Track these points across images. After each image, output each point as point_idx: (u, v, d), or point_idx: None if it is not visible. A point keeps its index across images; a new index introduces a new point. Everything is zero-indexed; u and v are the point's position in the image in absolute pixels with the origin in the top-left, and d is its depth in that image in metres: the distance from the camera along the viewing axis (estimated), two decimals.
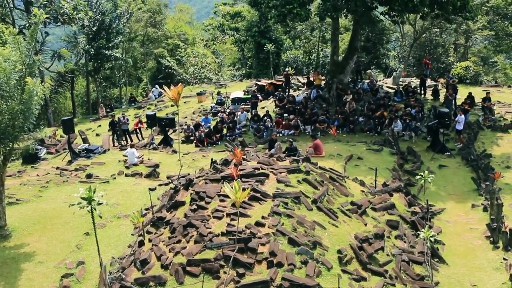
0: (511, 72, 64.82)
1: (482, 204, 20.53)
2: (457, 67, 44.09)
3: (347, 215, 17.02)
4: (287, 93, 39.11)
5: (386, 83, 42.54)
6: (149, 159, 26.41)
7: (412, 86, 38.02)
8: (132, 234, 17.20)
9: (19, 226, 17.72)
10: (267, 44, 50.08)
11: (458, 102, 33.29)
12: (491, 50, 57.38)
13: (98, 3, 48.54)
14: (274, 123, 32.35)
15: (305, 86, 41.03)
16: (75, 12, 45.49)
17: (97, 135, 36.22)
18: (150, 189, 19.81)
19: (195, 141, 31.36)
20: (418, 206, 20.21)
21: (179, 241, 14.58)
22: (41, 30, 43.60)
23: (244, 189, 14.39)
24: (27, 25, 40.50)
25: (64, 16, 45.44)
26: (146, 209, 18.82)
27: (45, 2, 43.55)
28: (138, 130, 34.44)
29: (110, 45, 48.38)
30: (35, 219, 18.32)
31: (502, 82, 48.95)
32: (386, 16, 35.05)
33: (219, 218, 15.03)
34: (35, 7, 38.32)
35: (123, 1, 56.45)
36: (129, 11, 53.86)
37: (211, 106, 40.10)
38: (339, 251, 14.13)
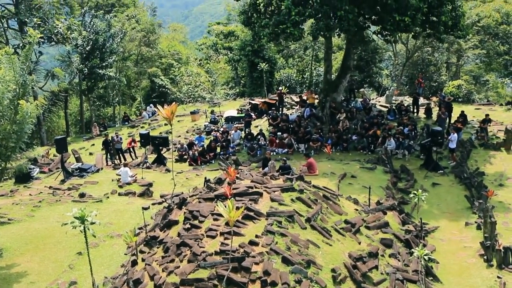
0: (503, 90, 65.39)
1: (475, 222, 20.55)
2: (449, 86, 44.39)
3: (341, 233, 16.98)
4: (280, 112, 39.25)
5: (379, 101, 42.75)
6: (142, 178, 26.36)
7: (405, 105, 38.23)
8: (125, 254, 17.09)
9: (11, 246, 17.58)
10: (260, 63, 50.37)
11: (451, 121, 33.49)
12: (483, 69, 57.94)
13: (92, 23, 48.76)
14: (267, 142, 32.39)
15: (298, 105, 41.19)
16: (69, 32, 45.76)
17: (91, 154, 36.13)
18: (144, 208, 19.73)
19: (188, 160, 31.33)
20: (412, 224, 20.20)
21: (172, 261, 14.48)
22: (35, 50, 43.70)
23: (237, 208, 14.36)
24: (21, 44, 40.63)
25: (58, 36, 45.69)
26: (139, 228, 18.73)
27: (39, 22, 43.79)
28: (131, 149, 34.41)
29: (104, 64, 48.50)
30: (27, 239, 18.20)
31: (494, 101, 49.26)
32: (379, 36, 35.36)
33: (213, 237, 14.95)
34: (29, 27, 38.55)
35: (117, 21, 56.72)
36: (123, 30, 54.08)
37: (204, 125, 40.15)
38: (333, 270, 14.06)
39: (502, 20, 52.06)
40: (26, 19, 44.89)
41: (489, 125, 32.33)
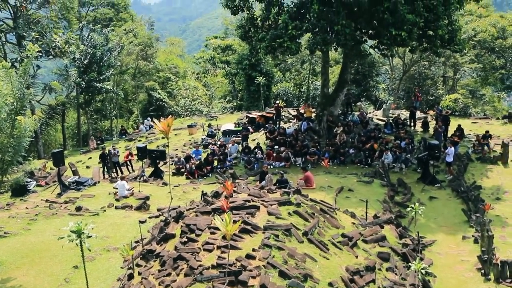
0: (499, 104, 65.63)
1: (473, 236, 20.54)
2: (446, 100, 44.57)
3: (338, 247, 16.95)
4: (277, 125, 39.32)
5: (376, 115, 42.87)
6: (139, 191, 26.32)
7: (402, 118, 38.36)
8: (121, 267, 17.02)
9: (7, 260, 17.49)
10: (257, 77, 50.56)
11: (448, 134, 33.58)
12: (479, 83, 58.21)
13: (89, 37, 48.95)
14: (265, 155, 32.40)
15: (295, 119, 41.26)
16: (66, 46, 45.90)
17: (88, 167, 36.10)
18: (140, 222, 19.69)
19: (185, 174, 31.31)
20: (409, 238, 20.18)
21: (169, 274, 14.43)
22: (32, 63, 43.84)
23: (234, 222, 14.33)
24: (18, 58, 40.71)
25: (55, 50, 45.83)
26: (136, 242, 18.67)
27: (37, 36, 43.94)
28: (128, 162, 34.38)
29: (101, 78, 48.60)
30: (23, 253, 18.11)
31: (490, 115, 49.47)
32: (376, 50, 35.56)
33: (210, 250, 14.92)
34: (27, 40, 38.65)
35: (115, 35, 56.93)
36: (121, 44, 54.26)
37: (202, 138, 40.18)
38: (330, 284, 14.02)
39: (498, 35, 52.44)
40: (24, 33, 45.08)
41: (489, 141, 32.31)
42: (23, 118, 16.05)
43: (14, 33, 46.17)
